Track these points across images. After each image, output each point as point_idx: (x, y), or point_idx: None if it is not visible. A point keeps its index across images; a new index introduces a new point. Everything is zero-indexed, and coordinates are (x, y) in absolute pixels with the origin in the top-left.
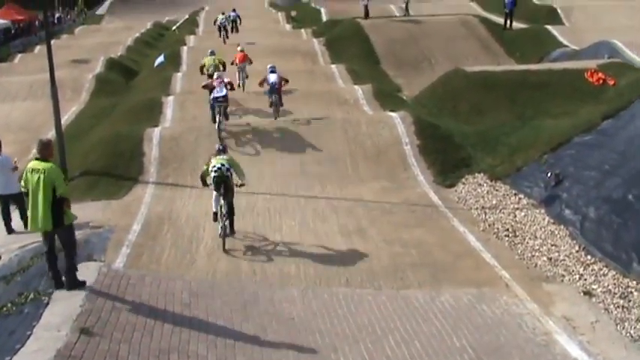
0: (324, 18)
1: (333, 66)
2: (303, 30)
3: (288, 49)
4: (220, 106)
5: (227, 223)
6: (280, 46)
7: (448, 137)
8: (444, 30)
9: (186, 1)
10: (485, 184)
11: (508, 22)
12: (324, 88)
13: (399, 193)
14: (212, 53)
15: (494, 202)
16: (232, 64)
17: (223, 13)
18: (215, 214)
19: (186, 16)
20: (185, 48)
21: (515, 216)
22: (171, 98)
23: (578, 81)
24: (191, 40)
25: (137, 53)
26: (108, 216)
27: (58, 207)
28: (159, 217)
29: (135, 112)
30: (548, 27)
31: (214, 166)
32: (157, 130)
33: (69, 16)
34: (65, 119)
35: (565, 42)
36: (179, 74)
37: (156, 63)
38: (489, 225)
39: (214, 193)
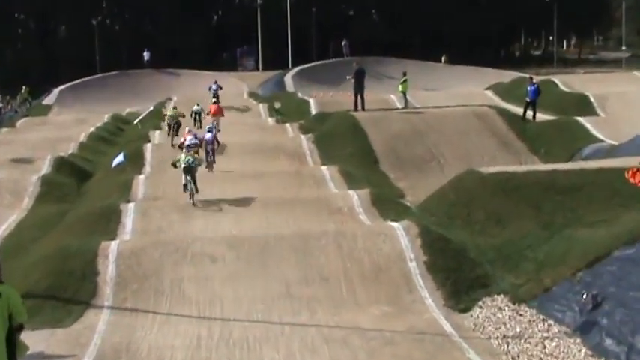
0: (313, 111)
1: (324, 168)
2: (288, 125)
3: (271, 148)
4: (192, 159)
5: (193, 187)
6: (262, 144)
7: (461, 252)
8: (454, 123)
9: (149, 91)
10: (506, 308)
11: (530, 112)
12: (314, 194)
13: (404, 320)
14: (175, 107)
15: (518, 329)
16: (207, 114)
17: (198, 104)
18: (185, 185)
19: (151, 108)
20: (149, 146)
21: (545, 347)
22: (131, 206)
23: (617, 182)
24: (156, 136)
25: (91, 151)
26: (52, 348)
27: (14, 339)
28: (115, 349)
29: (88, 222)
30: (579, 118)
31: (185, 160)
32: (114, 245)
33: (10, 106)
34: (3, 230)
35: (600, 136)
36: (142, 177)
37: (114, 163)
38: (513, 358)
39: (183, 175)
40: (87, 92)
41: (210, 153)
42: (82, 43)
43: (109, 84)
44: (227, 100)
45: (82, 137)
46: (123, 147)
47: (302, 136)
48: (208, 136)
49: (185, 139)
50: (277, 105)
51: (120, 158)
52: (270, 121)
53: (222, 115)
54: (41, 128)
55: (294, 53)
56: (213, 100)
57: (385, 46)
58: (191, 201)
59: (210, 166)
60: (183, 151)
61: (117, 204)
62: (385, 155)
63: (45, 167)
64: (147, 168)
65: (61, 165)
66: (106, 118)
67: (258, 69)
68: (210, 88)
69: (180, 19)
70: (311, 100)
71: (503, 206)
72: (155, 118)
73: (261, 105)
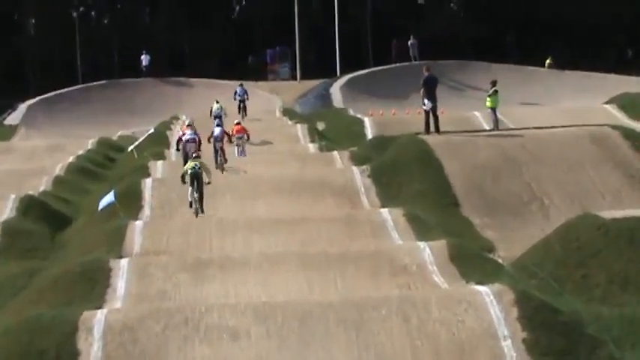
0: (369, 133)
1: (385, 211)
2: (336, 153)
3: (313, 184)
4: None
5: (199, 205)
6: (300, 180)
7: (575, 327)
8: (562, 150)
9: (149, 107)
10: None
11: None
12: (370, 246)
13: None
14: (217, 102)
15: None
16: (231, 136)
17: (218, 102)
18: (190, 202)
19: (151, 130)
20: (148, 181)
21: None
22: (124, 262)
23: None
24: (158, 167)
25: (71, 189)
26: None
27: None
28: None
29: (65, 284)
30: None
31: (191, 167)
32: (100, 315)
33: None
34: None
35: None
36: (138, 223)
37: (102, 204)
38: None
39: (189, 188)
40: (64, 109)
41: (220, 152)
42: (58, 43)
43: (94, 98)
44: (255, 118)
45: (58, 169)
46: (113, 183)
47: (354, 169)
48: (217, 131)
49: (184, 134)
50: (321, 126)
51: (109, 198)
52: (312, 147)
53: (248, 138)
54: (2, 158)
55: (343, 56)
56: (240, 106)
57: (467, 46)
58: (195, 215)
59: (220, 167)
60: (187, 152)
61: (105, 260)
62: (467, 194)
63: (7, 210)
64: (145, 211)
65: (29, 207)
66: (90, 143)
67: (295, 78)
68: (235, 94)
69: (189, 11)
70: (366, 120)
71: (632, 264)
72: (156, 143)
73: (299, 126)
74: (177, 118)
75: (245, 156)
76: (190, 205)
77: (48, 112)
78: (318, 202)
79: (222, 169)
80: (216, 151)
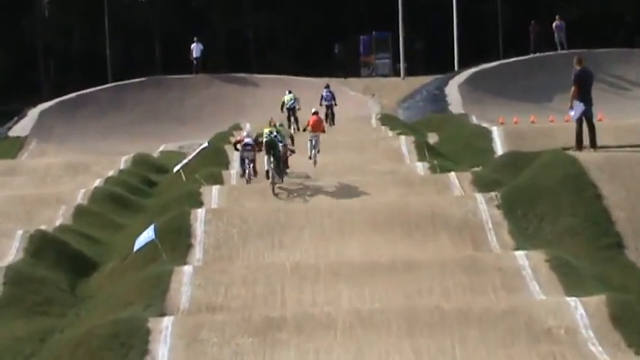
0: (499, 149)
1: (520, 254)
2: (453, 174)
3: (422, 217)
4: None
5: (277, 173)
6: (404, 211)
7: None
8: None
9: (202, 112)
10: None
11: None
12: (501, 303)
13: None
14: (290, 92)
15: None
16: (304, 130)
17: (290, 92)
18: (267, 171)
19: (204, 144)
20: (201, 212)
21: None
22: (168, 322)
23: None
24: (214, 194)
25: (97, 222)
26: None
27: None
28: None
29: (89, 352)
30: None
31: (266, 134)
32: None
33: None
34: None
35: None
36: (187, 269)
37: (138, 244)
38: None
39: (265, 156)
40: (89, 115)
41: (247, 161)
42: (80, 27)
43: (127, 101)
44: (344, 127)
45: (80, 197)
46: (154, 215)
47: (478, 196)
48: (247, 139)
49: (242, 139)
50: (433, 139)
51: (148, 235)
52: (421, 167)
53: (323, 131)
54: (6, 180)
55: (462, 45)
56: (327, 113)
57: (632, 30)
58: (274, 191)
59: (248, 181)
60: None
61: (142, 319)
62: (635, 231)
63: (12, 251)
64: (196, 252)
65: (42, 247)
66: (122, 162)
67: (397, 73)
68: (321, 98)
69: None
70: (494, 130)
71: None
72: (212, 162)
73: (403, 139)
74: (238, 128)
75: (318, 152)
76: (267, 176)
77: (67, 120)
78: (429, 240)
79: (249, 182)
80: (242, 160)
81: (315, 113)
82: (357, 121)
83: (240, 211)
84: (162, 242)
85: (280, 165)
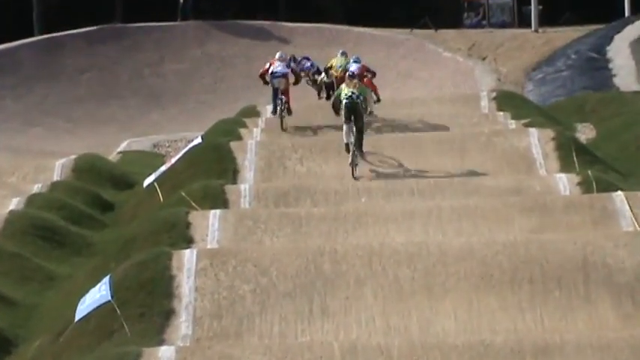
0: None
1: None
2: (620, 194)
3: (567, 269)
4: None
5: (357, 148)
6: (535, 256)
7: None
8: None
9: (191, 84)
10: None
11: None
12: None
13: None
14: (343, 53)
15: None
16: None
17: (344, 53)
18: (347, 145)
19: (197, 140)
20: (190, 255)
21: None
22: None
23: None
24: (211, 224)
25: (12, 272)
26: None
27: None
28: None
29: None
30: None
31: (346, 94)
32: None
33: None
34: None
35: None
36: (165, 351)
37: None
38: None
39: (345, 125)
40: (9, 87)
41: (281, 97)
42: None
43: (66, 66)
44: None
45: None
46: (108, 259)
47: None
48: (279, 66)
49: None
50: (585, 134)
51: (100, 293)
52: (565, 181)
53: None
54: None
55: None
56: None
57: None
58: (353, 174)
59: (280, 118)
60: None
61: None
62: None
63: None
64: (181, 324)
65: None
66: (58, 168)
67: (526, 22)
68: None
69: None
70: None
71: None
72: (208, 169)
73: (535, 133)
74: (253, 114)
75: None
76: (347, 149)
77: None
78: (580, 308)
79: (283, 126)
80: (275, 94)
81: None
82: (456, 103)
83: (256, 253)
84: (124, 306)
85: (362, 136)
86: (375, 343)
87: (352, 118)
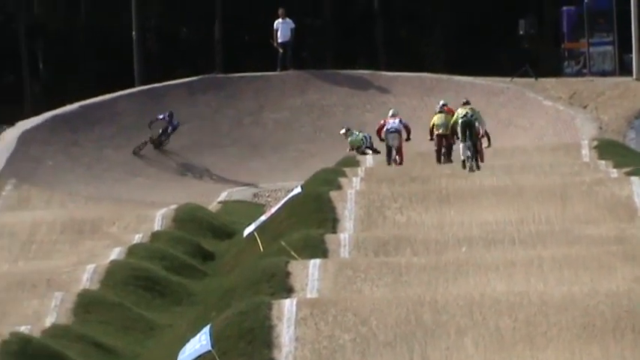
0: None
1: None
2: None
3: None
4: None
5: (474, 161)
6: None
7: None
8: None
9: (290, 134)
10: None
11: None
12: None
13: None
14: (443, 107)
15: None
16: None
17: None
18: (463, 161)
19: (297, 190)
20: (290, 305)
21: None
22: None
23: None
24: (311, 274)
25: (113, 321)
26: None
27: None
28: None
29: None
30: None
31: (461, 114)
32: None
33: None
34: None
35: None
36: None
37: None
38: None
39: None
40: (99, 140)
41: (394, 150)
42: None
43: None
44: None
45: (87, 278)
46: (209, 309)
47: None
48: (392, 122)
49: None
50: None
51: (200, 343)
52: None
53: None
54: None
55: None
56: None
57: None
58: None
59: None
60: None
61: None
62: None
63: None
64: None
65: None
66: (158, 218)
67: (627, 70)
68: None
69: None
70: None
71: None
72: (308, 219)
73: (635, 181)
74: (353, 164)
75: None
76: (463, 165)
77: (63, 147)
78: None
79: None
80: (389, 150)
81: (445, 105)
82: (557, 152)
83: (356, 302)
84: (224, 355)
85: (478, 150)
86: None
87: (467, 133)
